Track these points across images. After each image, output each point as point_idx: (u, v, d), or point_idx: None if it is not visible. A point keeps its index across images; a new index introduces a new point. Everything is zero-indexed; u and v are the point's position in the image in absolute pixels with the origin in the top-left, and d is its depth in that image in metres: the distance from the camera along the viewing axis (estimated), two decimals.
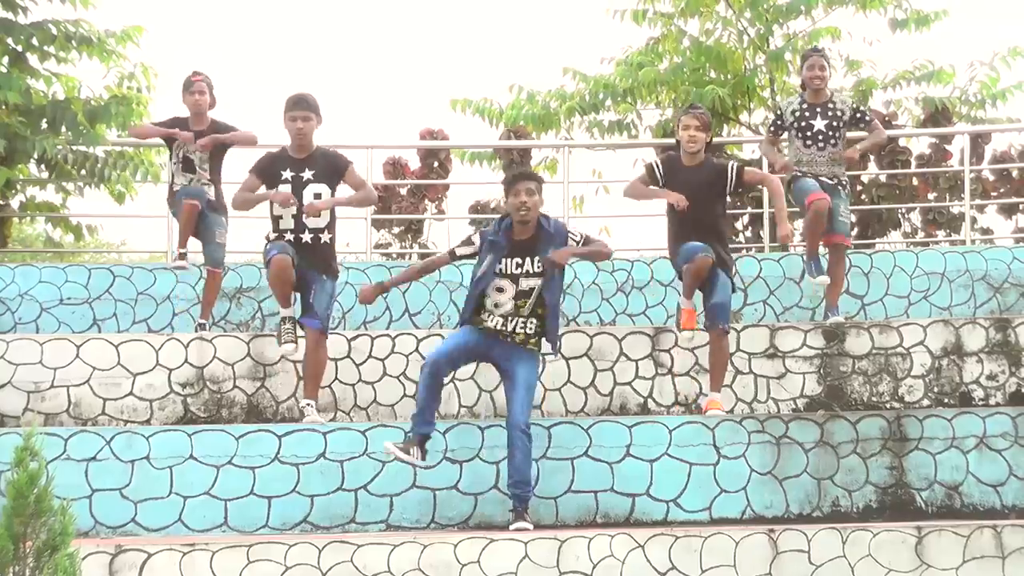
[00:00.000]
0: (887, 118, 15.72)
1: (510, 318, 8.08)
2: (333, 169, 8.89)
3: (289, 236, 8.71)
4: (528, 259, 8.11)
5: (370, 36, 62.38)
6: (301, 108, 8.82)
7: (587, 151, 16.36)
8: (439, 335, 9.50)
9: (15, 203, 13.99)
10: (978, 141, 15.10)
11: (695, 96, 16.03)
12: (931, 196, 15.28)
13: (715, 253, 8.78)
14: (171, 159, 10.51)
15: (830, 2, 16.48)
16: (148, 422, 9.19)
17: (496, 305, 8.10)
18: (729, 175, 8.97)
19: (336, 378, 9.29)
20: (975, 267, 11.17)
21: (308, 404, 8.72)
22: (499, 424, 8.40)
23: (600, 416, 9.00)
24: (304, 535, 7.81)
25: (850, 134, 10.54)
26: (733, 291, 9.06)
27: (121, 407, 9.28)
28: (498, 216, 8.56)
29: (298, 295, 8.79)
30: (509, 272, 8.10)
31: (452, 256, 8.51)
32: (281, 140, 9.23)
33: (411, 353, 9.41)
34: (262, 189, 8.81)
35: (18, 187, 13.72)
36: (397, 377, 9.38)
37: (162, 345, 9.40)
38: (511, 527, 7.69)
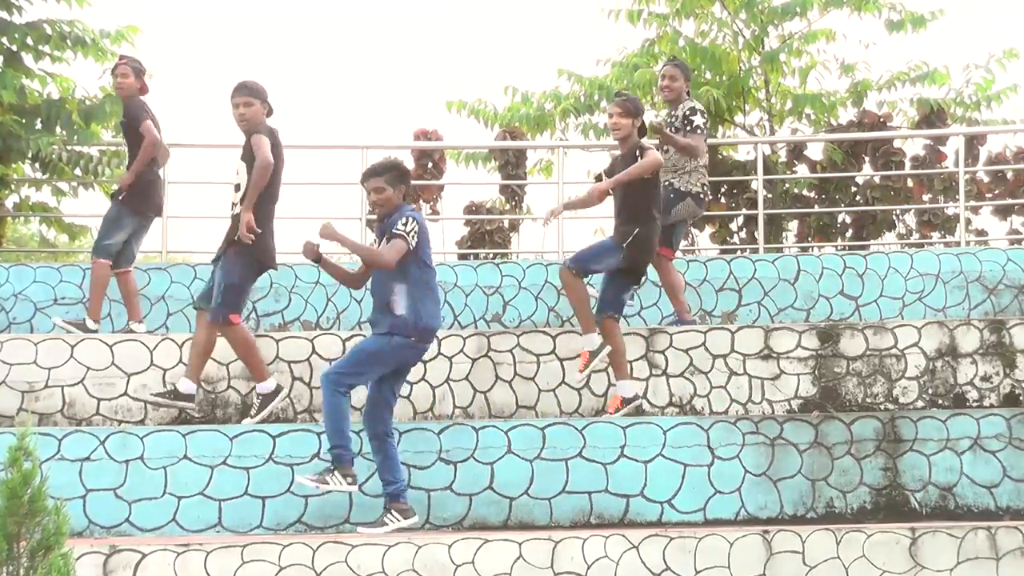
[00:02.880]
0: (882, 119, 15.76)
1: None
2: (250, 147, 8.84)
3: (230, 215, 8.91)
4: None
5: (366, 37, 62.41)
6: (240, 94, 8.85)
7: (582, 152, 16.37)
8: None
9: (9, 203, 13.99)
10: (973, 143, 15.11)
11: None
12: (926, 197, 15.30)
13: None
14: None
15: (825, 4, 16.50)
16: (142, 422, 9.19)
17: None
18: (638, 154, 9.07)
19: None
20: (970, 268, 11.17)
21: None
22: (493, 425, 8.40)
23: (594, 417, 9.00)
24: (298, 535, 7.80)
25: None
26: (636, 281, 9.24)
27: (115, 407, 9.27)
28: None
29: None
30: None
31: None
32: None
33: None
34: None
35: (12, 187, 13.72)
36: None
37: (156, 345, 9.40)
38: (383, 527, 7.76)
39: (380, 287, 8.07)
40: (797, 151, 15.91)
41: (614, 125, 9.18)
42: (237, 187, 8.86)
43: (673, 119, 10.16)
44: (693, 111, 10.09)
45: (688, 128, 10.04)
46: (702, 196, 10.13)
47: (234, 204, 8.83)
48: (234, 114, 8.86)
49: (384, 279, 8.03)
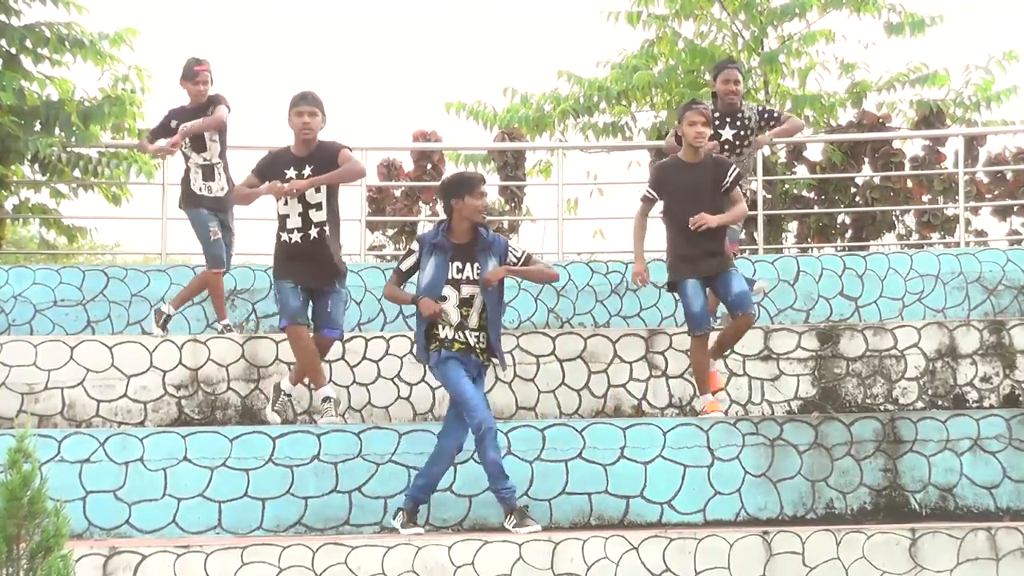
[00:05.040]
0: (881, 120, 15.76)
1: (463, 332, 7.95)
2: (330, 158, 8.69)
3: (297, 236, 8.60)
4: (468, 264, 8.00)
5: (365, 39, 62.43)
6: (307, 103, 8.70)
7: (581, 153, 16.39)
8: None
9: (9, 205, 13.99)
10: (973, 143, 15.11)
11: (689, 98, 16.03)
12: (925, 198, 15.31)
13: (716, 255, 8.67)
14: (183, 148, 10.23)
15: (824, 5, 16.50)
16: (142, 424, 9.19)
17: (446, 315, 7.94)
18: (729, 174, 8.80)
19: (331, 380, 9.27)
20: (969, 269, 11.16)
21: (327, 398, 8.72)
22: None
23: (594, 418, 9.00)
24: (298, 537, 7.80)
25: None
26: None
27: (115, 409, 9.27)
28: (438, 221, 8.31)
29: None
30: (451, 277, 7.99)
31: (400, 275, 8.21)
32: (278, 139, 9.17)
33: (405, 355, 9.39)
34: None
35: (12, 189, 13.73)
36: (391, 379, 9.38)
37: (156, 347, 9.39)
38: (517, 529, 7.62)
39: (495, 308, 8.07)
40: (797, 152, 15.92)
41: (701, 135, 8.75)
42: (318, 206, 8.60)
43: (741, 122, 10.08)
44: (766, 108, 10.37)
45: (773, 123, 10.21)
46: None
47: (321, 224, 8.61)
48: (296, 122, 8.66)
49: (498, 298, 8.10)
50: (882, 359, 9.54)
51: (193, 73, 10.23)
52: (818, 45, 16.62)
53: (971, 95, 16.42)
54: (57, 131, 12.91)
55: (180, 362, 9.36)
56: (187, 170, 10.28)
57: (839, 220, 15.59)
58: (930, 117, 15.69)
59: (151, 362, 9.35)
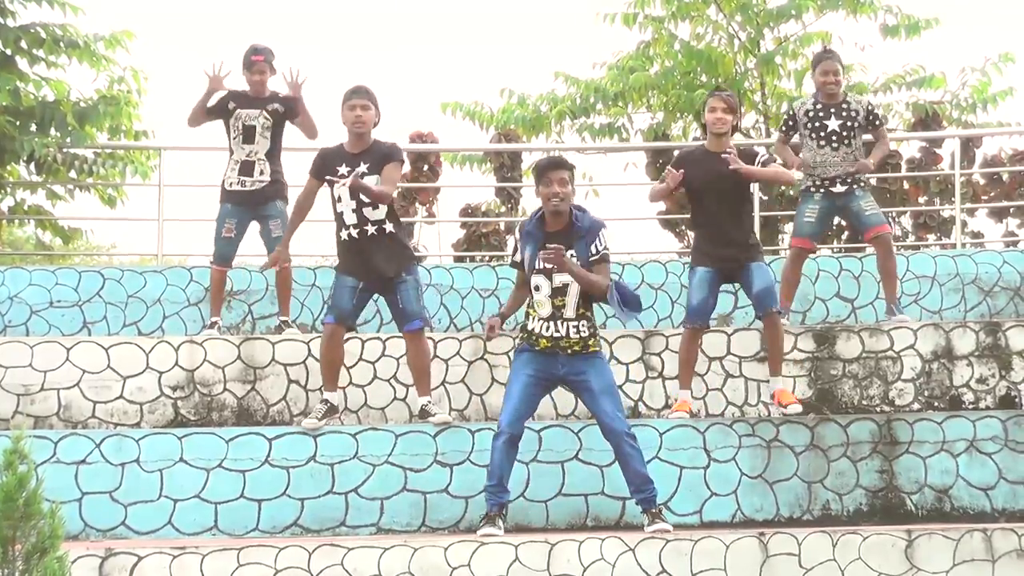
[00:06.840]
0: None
1: (557, 322, 7.78)
2: (385, 159, 8.62)
3: (354, 232, 8.47)
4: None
5: (361, 39, 62.43)
6: (360, 96, 8.64)
7: (578, 155, 16.39)
8: (429, 338, 9.46)
9: (4, 206, 13.99)
10: (969, 145, 15.13)
11: (685, 100, 16.07)
12: (921, 200, 15.31)
13: (740, 245, 8.70)
14: (229, 133, 10.03)
15: (821, 6, 16.51)
16: (138, 425, 9.18)
17: (538, 305, 7.84)
18: (757, 161, 8.76)
19: None
20: (965, 271, 11.17)
21: (428, 402, 8.60)
22: (490, 428, 8.39)
23: (591, 420, 8.98)
24: (294, 538, 7.80)
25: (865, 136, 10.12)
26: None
27: (111, 410, 9.26)
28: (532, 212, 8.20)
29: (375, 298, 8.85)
30: (540, 266, 7.80)
31: (516, 267, 8.10)
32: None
33: (401, 356, 9.38)
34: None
35: (8, 190, 13.72)
36: (388, 380, 9.36)
37: (152, 348, 9.38)
38: (648, 529, 7.61)
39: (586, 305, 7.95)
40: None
41: (720, 120, 8.76)
42: (374, 204, 8.44)
43: (847, 113, 9.91)
44: (874, 107, 10.16)
45: (877, 124, 10.06)
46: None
47: (379, 222, 8.48)
48: (348, 116, 8.60)
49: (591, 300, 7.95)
50: (878, 360, 9.54)
51: (249, 63, 10.12)
52: (814, 47, 16.62)
53: (967, 97, 16.45)
54: (53, 132, 12.90)
55: (176, 363, 9.35)
56: (227, 164, 10.11)
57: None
58: (926, 119, 15.70)
59: (147, 363, 9.34)
